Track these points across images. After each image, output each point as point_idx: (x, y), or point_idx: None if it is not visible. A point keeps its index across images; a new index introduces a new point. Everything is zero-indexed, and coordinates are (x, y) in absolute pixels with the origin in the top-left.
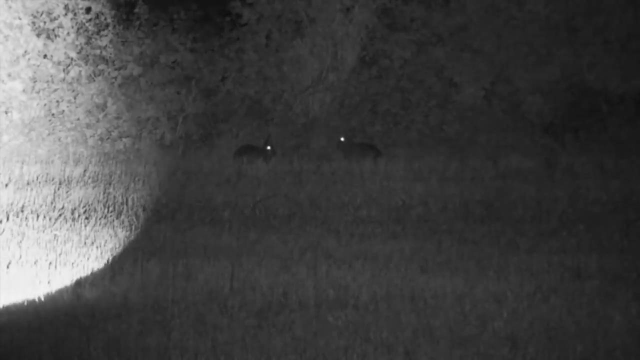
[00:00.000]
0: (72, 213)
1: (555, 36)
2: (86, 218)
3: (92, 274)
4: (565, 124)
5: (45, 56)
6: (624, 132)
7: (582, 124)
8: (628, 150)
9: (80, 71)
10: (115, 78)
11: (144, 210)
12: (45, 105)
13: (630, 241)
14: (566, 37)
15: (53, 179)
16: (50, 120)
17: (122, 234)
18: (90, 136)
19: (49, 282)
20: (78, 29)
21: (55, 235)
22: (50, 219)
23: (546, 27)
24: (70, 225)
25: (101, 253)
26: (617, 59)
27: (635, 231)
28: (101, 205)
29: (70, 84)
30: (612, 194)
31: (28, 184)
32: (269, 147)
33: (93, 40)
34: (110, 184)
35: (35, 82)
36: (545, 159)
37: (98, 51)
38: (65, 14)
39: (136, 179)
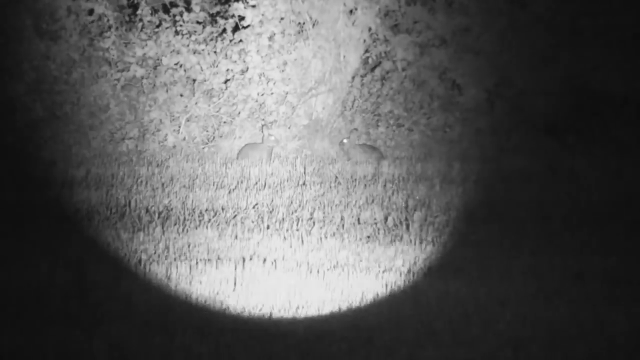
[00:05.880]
0: (75, 215)
1: (558, 38)
2: (88, 220)
3: (95, 276)
4: (569, 125)
5: (48, 58)
6: (627, 133)
7: (585, 125)
8: (631, 152)
9: (82, 73)
10: (118, 80)
11: (146, 212)
12: (48, 107)
13: (634, 243)
14: (569, 39)
15: (56, 181)
16: (53, 122)
17: (125, 236)
18: (93, 138)
19: (50, 284)
20: (81, 30)
21: (57, 237)
22: (52, 220)
23: (549, 28)
24: (73, 227)
25: (104, 255)
26: (621, 61)
27: (639, 233)
28: (104, 207)
29: (73, 85)
30: (615, 195)
31: (30, 185)
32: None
33: (96, 42)
34: (113, 185)
35: (38, 83)
36: (548, 160)
37: (101, 53)
38: (68, 16)
39: (139, 180)
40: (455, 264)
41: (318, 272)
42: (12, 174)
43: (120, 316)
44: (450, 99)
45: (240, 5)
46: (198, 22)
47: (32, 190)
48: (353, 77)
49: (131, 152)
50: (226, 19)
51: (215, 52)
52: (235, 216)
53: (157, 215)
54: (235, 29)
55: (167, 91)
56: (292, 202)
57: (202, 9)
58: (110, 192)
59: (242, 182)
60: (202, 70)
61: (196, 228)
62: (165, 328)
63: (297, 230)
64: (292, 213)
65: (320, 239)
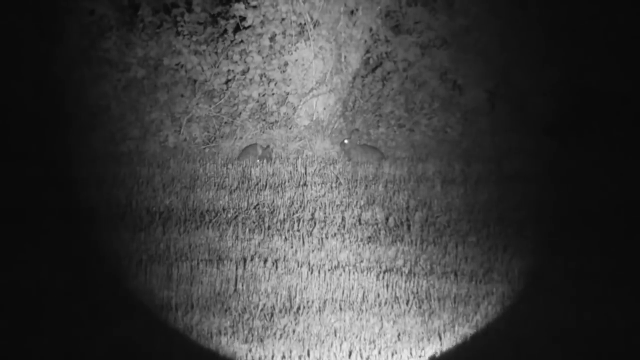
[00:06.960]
0: (76, 215)
1: (558, 38)
2: (89, 220)
3: (95, 276)
4: (569, 125)
5: (48, 58)
6: (627, 133)
7: (585, 125)
8: (631, 152)
9: (83, 73)
10: (119, 80)
11: (147, 212)
12: (48, 107)
13: (634, 243)
14: (569, 39)
15: (56, 181)
16: (53, 123)
17: (126, 236)
18: (94, 138)
19: (50, 284)
20: (81, 31)
21: (57, 237)
22: (53, 221)
23: (549, 28)
24: (73, 227)
25: (105, 255)
26: (621, 61)
27: (639, 233)
28: (105, 207)
29: (74, 86)
30: (615, 195)
31: (31, 185)
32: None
33: (96, 42)
34: (113, 186)
35: (38, 84)
36: (548, 160)
37: (101, 53)
38: (69, 16)
39: (140, 181)
40: (456, 264)
41: (319, 272)
42: (12, 174)
43: (121, 316)
44: (451, 100)
45: (241, 5)
46: (199, 23)
47: (33, 191)
48: (354, 78)
49: (132, 152)
50: (227, 19)
51: (216, 52)
52: (236, 217)
53: (158, 215)
54: (236, 29)
55: (168, 92)
56: (293, 203)
57: (203, 10)
58: (111, 193)
59: (243, 182)
60: (203, 70)
61: (197, 228)
62: (166, 328)
63: (298, 230)
64: (293, 213)
65: (321, 239)
